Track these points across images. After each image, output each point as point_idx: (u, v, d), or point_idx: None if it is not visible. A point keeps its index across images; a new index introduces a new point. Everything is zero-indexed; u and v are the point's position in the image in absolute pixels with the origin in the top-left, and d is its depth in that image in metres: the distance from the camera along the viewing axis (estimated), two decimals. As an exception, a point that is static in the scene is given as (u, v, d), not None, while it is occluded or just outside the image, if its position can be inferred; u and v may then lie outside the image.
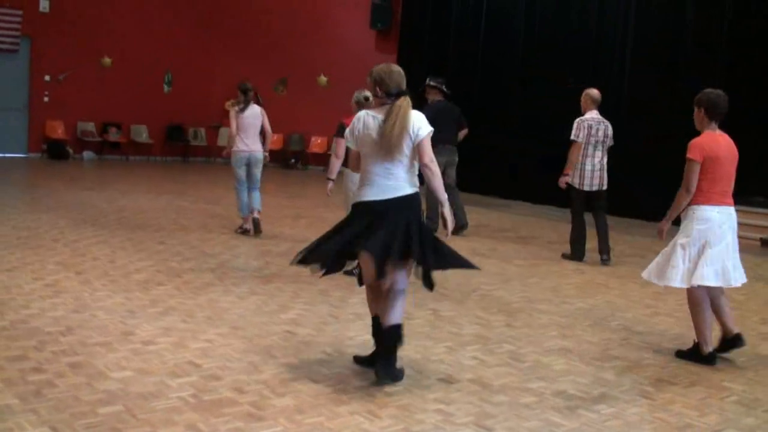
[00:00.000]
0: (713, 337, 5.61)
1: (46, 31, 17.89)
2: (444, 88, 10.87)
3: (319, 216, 11.81)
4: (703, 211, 5.42)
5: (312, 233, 10.01)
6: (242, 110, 9.55)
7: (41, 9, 17.98)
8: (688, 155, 5.45)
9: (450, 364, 5.13)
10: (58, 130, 18.39)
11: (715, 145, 5.45)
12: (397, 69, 4.85)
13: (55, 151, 18.15)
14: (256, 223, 9.58)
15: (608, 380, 5.00)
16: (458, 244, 9.78)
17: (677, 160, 12.26)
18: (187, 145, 20.20)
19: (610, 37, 14.87)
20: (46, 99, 18.29)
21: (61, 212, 10.28)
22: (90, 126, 18.94)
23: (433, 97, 10.76)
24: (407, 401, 4.39)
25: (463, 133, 11.00)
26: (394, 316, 4.77)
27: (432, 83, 10.80)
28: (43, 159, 18.07)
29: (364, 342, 5.46)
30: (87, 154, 18.81)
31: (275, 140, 17.31)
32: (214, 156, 20.15)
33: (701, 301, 5.49)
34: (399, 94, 4.71)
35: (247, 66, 19.00)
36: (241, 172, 9.59)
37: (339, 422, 4.03)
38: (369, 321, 5.88)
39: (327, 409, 4.19)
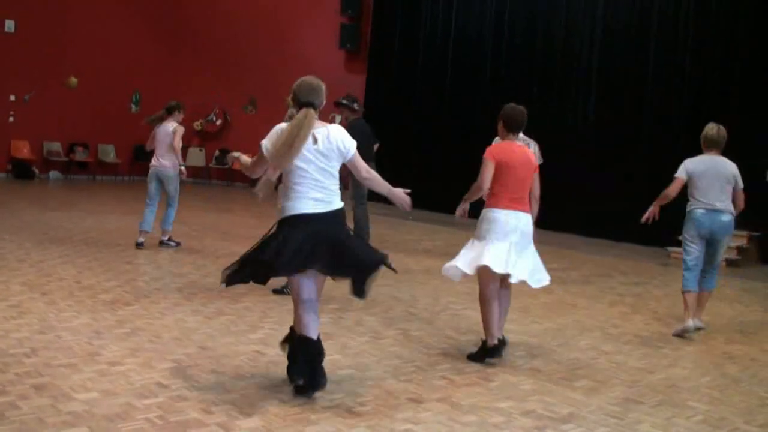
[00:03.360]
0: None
1: (11, 51, 17.73)
2: (355, 106, 11.35)
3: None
4: (491, 212, 5.76)
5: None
6: (156, 126, 9.98)
7: (6, 29, 17.84)
8: (483, 156, 5.85)
9: (419, 383, 5.12)
10: (23, 149, 18.21)
11: (508, 153, 5.83)
12: (306, 82, 5.14)
13: (21, 171, 17.96)
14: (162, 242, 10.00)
15: (576, 400, 5.02)
16: (426, 264, 9.83)
17: (642, 180, 12.43)
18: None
19: (576, 55, 15.05)
20: (11, 119, 18.11)
21: (26, 233, 10.15)
22: (56, 146, 18.78)
23: (346, 115, 11.20)
24: (376, 421, 4.37)
25: (378, 147, 11.23)
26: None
27: (343, 101, 11.24)
28: (9, 179, 17.86)
29: (332, 361, 5.43)
30: (53, 174, 18.64)
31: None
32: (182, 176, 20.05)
33: (491, 298, 5.75)
34: (302, 105, 4.87)
35: (215, 86, 19.01)
36: (150, 187, 10.02)
37: (308, 443, 4.01)
38: (337, 341, 5.94)
39: (295, 429, 4.17)
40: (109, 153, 19.42)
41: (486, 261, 5.62)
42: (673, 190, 7.34)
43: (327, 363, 5.37)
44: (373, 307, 7.25)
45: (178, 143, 9.85)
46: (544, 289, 8.65)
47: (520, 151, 5.93)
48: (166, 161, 9.89)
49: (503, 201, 5.75)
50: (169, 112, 10.01)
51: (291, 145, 4.62)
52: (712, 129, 7.29)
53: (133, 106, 19.73)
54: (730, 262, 11.79)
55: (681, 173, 7.28)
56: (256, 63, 19.77)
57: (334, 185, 4.82)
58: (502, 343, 5.80)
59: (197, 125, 19.82)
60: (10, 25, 17.86)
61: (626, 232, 12.56)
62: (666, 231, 12.60)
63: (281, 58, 19.71)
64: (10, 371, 4.78)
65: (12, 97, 18.09)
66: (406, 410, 4.59)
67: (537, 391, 5.14)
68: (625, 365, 5.93)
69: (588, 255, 11.70)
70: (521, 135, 8.92)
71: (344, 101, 11.14)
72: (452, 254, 10.70)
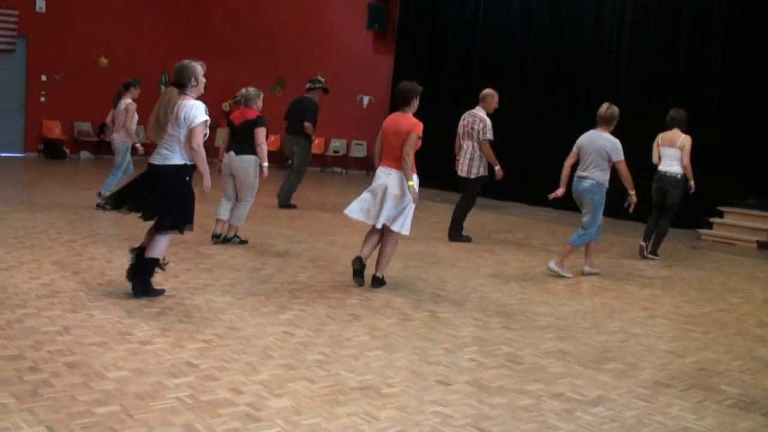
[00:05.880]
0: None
1: (42, 31, 17.83)
2: (308, 85, 12.88)
3: (315, 216, 11.80)
4: (378, 169, 7.21)
5: (308, 234, 10.05)
6: (114, 104, 10.90)
7: (37, 9, 17.93)
8: None
9: (448, 365, 5.12)
10: (54, 129, 18.35)
11: (387, 123, 7.20)
12: (177, 65, 6.33)
13: (52, 151, 18.10)
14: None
15: (606, 383, 4.99)
16: (453, 246, 9.82)
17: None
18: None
19: (605, 42, 14.91)
20: (42, 99, 18.25)
21: (57, 212, 10.25)
22: (87, 126, 18.89)
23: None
24: (405, 402, 4.38)
25: (306, 126, 12.39)
26: (155, 251, 6.19)
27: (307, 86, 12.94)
28: (40, 158, 18.03)
29: (360, 342, 5.45)
30: (84, 154, 18.77)
31: (273, 140, 17.25)
32: (212, 156, 20.11)
33: (368, 233, 7.33)
34: (173, 85, 6.15)
35: (243, 67, 18.97)
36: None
37: (337, 423, 4.02)
38: (365, 322, 5.97)
39: (324, 410, 4.18)
40: (138, 134, 19.47)
41: (346, 210, 7.17)
42: (567, 161, 8.63)
43: (355, 344, 5.42)
44: (401, 289, 7.26)
45: (130, 120, 10.66)
46: (572, 271, 8.69)
47: (395, 121, 7.12)
48: (116, 135, 10.84)
49: (383, 160, 7.15)
50: (126, 88, 10.81)
51: (157, 119, 5.99)
52: (602, 107, 8.49)
53: (163, 86, 19.77)
54: (761, 245, 11.67)
55: (574, 147, 8.58)
56: (285, 44, 19.75)
57: (177, 146, 6.08)
58: (362, 267, 7.15)
59: (225, 106, 19.85)
60: (41, 4, 17.95)
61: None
62: (696, 213, 12.54)
63: (310, 38, 19.68)
64: (43, 349, 4.83)
65: (43, 77, 18.21)
66: (435, 392, 4.60)
67: (566, 373, 5.13)
68: (655, 348, 5.89)
69: (617, 237, 11.61)
70: (474, 109, 10.22)
71: (308, 85, 12.92)
72: (478, 236, 10.71)
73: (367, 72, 19.87)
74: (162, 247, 6.24)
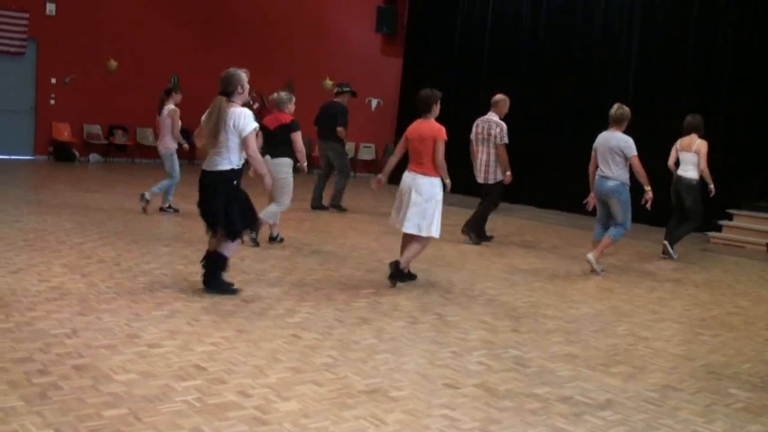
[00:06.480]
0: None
1: (52, 34, 17.90)
2: (336, 90, 13.30)
3: (323, 219, 11.80)
4: (404, 174, 7.43)
5: (315, 237, 10.06)
6: (159, 111, 11.05)
7: (47, 12, 18.00)
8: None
9: (456, 369, 5.11)
10: (64, 132, 18.40)
11: (411, 129, 7.43)
12: (223, 74, 6.56)
13: (62, 154, 18.16)
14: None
15: (614, 386, 4.98)
16: (462, 249, 9.81)
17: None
18: (193, 148, 20.14)
19: (614, 45, 14.88)
20: (52, 102, 18.31)
21: (66, 214, 10.28)
22: (96, 128, 18.94)
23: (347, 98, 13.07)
24: (413, 406, 4.37)
25: (339, 131, 12.62)
26: (225, 250, 6.60)
27: (335, 90, 13.36)
28: (50, 161, 18.08)
29: (369, 345, 5.45)
30: (93, 157, 18.83)
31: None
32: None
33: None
34: (220, 94, 6.43)
35: (252, 69, 18.81)
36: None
37: (344, 427, 4.02)
38: (373, 325, 5.97)
39: (332, 413, 4.18)
40: (147, 136, 19.53)
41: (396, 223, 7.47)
42: (590, 166, 8.93)
43: (363, 347, 5.42)
44: (410, 292, 7.25)
45: (176, 127, 10.87)
46: (582, 273, 8.68)
47: (418, 127, 7.38)
48: (161, 141, 11.03)
49: (409, 165, 7.38)
50: (167, 94, 11.01)
51: (213, 128, 6.30)
52: (612, 108, 8.76)
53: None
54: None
55: (592, 151, 8.86)
56: (294, 46, 19.78)
57: (225, 152, 6.35)
58: (392, 269, 7.33)
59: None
60: (51, 8, 18.02)
61: (664, 219, 12.46)
62: (706, 216, 12.49)
63: (318, 41, 19.70)
64: (51, 351, 4.85)
65: (53, 80, 18.28)
66: (443, 395, 4.59)
67: (574, 377, 5.11)
68: (664, 352, 5.87)
69: (626, 240, 11.57)
70: (486, 115, 10.29)
71: (336, 89, 13.34)
72: (491, 239, 10.69)
73: (375, 75, 19.88)
74: (232, 248, 6.73)
